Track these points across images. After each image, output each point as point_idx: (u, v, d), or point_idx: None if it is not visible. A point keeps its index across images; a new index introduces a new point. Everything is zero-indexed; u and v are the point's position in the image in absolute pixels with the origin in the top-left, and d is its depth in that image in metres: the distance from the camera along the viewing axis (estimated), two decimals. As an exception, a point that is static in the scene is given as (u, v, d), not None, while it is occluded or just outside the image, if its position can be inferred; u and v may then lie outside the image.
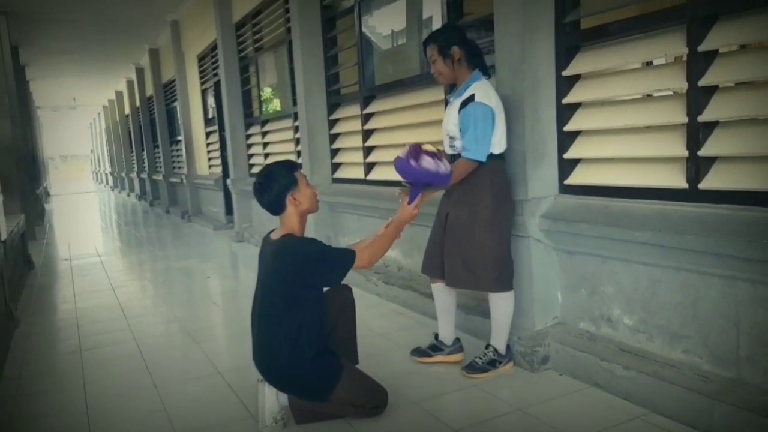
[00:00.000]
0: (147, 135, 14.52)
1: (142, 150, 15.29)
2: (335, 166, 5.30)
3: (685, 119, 2.35)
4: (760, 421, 1.99)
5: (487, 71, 2.82)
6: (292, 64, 5.53)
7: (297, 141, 5.95)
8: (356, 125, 4.85)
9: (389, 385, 2.58)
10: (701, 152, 2.31)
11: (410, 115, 4.15)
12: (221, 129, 8.42)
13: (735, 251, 2.11)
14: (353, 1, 4.70)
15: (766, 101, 2.13)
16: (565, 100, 2.84)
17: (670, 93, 2.50)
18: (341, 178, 5.21)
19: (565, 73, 2.83)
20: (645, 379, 2.38)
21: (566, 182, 2.89)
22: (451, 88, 2.98)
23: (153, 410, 2.68)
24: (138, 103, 15.10)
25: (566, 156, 2.88)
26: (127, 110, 16.87)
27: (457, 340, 3.04)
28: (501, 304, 2.80)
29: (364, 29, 4.69)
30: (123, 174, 19.98)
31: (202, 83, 9.46)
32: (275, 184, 2.32)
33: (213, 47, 8.34)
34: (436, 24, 3.80)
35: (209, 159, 9.70)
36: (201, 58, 9.35)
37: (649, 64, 2.84)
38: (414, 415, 2.48)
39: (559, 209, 2.83)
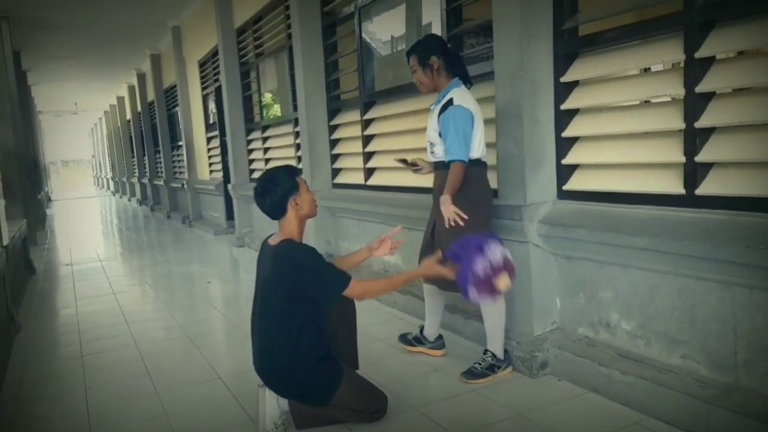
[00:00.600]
0: (148, 140, 14.56)
1: (144, 155, 15.32)
2: (335, 171, 5.32)
3: (682, 125, 2.37)
4: (758, 426, 2.00)
5: (468, 80, 2.91)
6: (293, 70, 5.56)
7: (297, 146, 5.97)
8: (356, 131, 4.87)
9: (389, 390, 2.59)
10: (698, 158, 2.33)
11: (410, 121, 4.17)
12: (222, 134, 8.45)
13: (732, 257, 2.12)
14: (353, 8, 4.73)
15: (762, 107, 2.15)
16: (563, 106, 2.86)
17: (668, 99, 2.52)
18: (341, 183, 5.23)
19: (563, 80, 2.85)
20: (643, 385, 2.39)
21: (564, 188, 2.91)
22: None
23: (154, 415, 2.70)
24: (139, 108, 15.16)
25: (564, 162, 2.89)
26: (129, 115, 16.93)
27: (440, 337, 3.22)
28: (490, 308, 2.84)
29: (364, 35, 4.71)
30: (124, 179, 20.01)
31: (203, 89, 9.50)
32: (278, 188, 2.33)
33: (214, 53, 8.38)
34: (436, 29, 3.82)
35: (210, 164, 9.73)
36: (202, 64, 9.38)
37: (646, 70, 2.86)
38: (414, 420, 2.49)
39: (558, 215, 2.85)
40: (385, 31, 4.74)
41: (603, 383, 2.56)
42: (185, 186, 10.68)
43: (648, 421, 2.33)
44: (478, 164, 2.82)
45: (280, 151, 6.67)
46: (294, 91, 5.66)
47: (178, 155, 11.92)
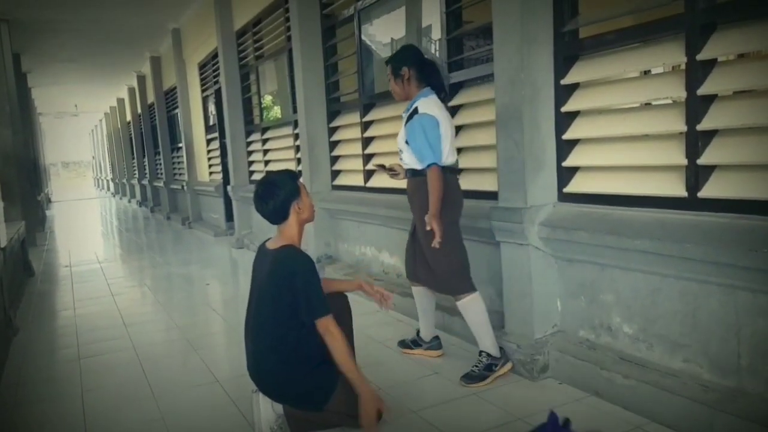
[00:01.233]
0: (148, 142, 14.55)
1: (144, 156, 15.32)
2: (335, 173, 5.30)
3: (684, 128, 2.35)
4: (762, 431, 1.98)
5: (443, 89, 3.00)
6: (293, 72, 5.55)
7: (297, 148, 5.96)
8: (356, 133, 4.86)
9: (387, 394, 2.57)
10: (700, 161, 2.31)
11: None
12: (222, 136, 8.44)
13: (735, 260, 2.10)
14: (353, 10, 4.72)
15: (764, 110, 2.13)
16: (563, 109, 2.85)
17: (669, 102, 2.50)
18: (341, 185, 5.21)
19: (563, 82, 2.83)
20: (645, 389, 2.37)
21: (565, 190, 2.89)
22: None
23: (151, 419, 2.68)
24: (139, 110, 15.15)
25: (565, 164, 2.88)
26: (129, 117, 16.93)
27: (436, 337, 3.24)
28: (467, 307, 2.90)
29: (364, 38, 4.70)
30: (124, 180, 20.01)
31: (203, 91, 9.49)
32: (281, 192, 2.31)
33: (214, 55, 8.37)
34: (436, 32, 3.81)
35: (210, 166, 9.71)
36: (202, 66, 9.38)
37: (646, 72, 2.85)
38: (412, 424, 2.48)
39: (558, 217, 2.83)
40: (384, 33, 4.73)
41: (604, 387, 2.54)
42: (185, 187, 10.67)
43: (650, 425, 2.31)
44: (450, 171, 2.89)
45: (280, 153, 6.65)
46: (294, 94, 5.64)
47: (178, 157, 11.91)
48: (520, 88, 2.81)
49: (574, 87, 2.84)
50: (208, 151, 9.66)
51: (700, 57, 2.28)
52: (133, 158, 17.51)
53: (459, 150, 3.69)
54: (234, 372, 3.14)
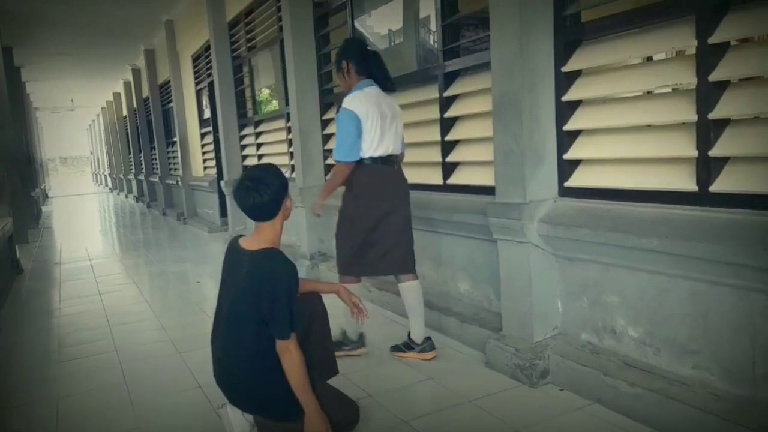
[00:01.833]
0: (144, 136, 14.38)
1: (140, 152, 15.15)
2: (328, 168, 5.13)
3: (694, 117, 2.19)
4: (779, 445, 1.82)
5: (385, 80, 3.03)
6: (285, 63, 5.36)
7: (290, 142, 5.78)
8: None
9: (378, 402, 2.42)
10: (712, 152, 2.14)
11: (407, 114, 3.97)
12: (215, 130, 8.26)
13: (749, 260, 1.94)
14: (346, -3, 4.54)
15: (782, 97, 1.97)
16: (565, 98, 2.68)
17: (678, 89, 2.33)
18: (335, 180, 5.03)
19: (565, 69, 2.66)
20: (652, 397, 2.21)
21: (566, 184, 2.72)
22: None
23: (126, 429, 2.52)
24: (135, 105, 14.96)
25: (566, 157, 2.71)
26: (125, 112, 16.73)
27: (428, 338, 3.08)
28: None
29: (357, 25, 4.52)
30: (121, 176, 19.84)
31: (197, 83, 9.31)
32: (275, 186, 2.11)
33: (207, 47, 8.17)
34: (431, 18, 3.64)
35: (204, 160, 9.55)
36: (195, 58, 9.20)
37: (649, 59, 2.66)
38: (403, 435, 2.32)
39: (559, 213, 2.67)
40: (378, 20, 4.55)
41: (608, 394, 2.38)
42: (180, 183, 10.51)
43: (657, 437, 2.15)
44: (374, 161, 2.93)
45: (273, 147, 6.48)
46: (286, 85, 5.46)
47: (173, 151, 11.74)
48: (518, 75, 2.64)
49: (576, 74, 2.67)
50: (203, 146, 9.49)
51: (711, 40, 2.11)
52: (130, 153, 17.34)
53: (455, 143, 3.54)
54: (218, 377, 2.99)
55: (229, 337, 2.15)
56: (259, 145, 6.84)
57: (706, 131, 2.16)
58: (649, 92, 2.59)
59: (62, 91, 17.76)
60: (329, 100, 5.02)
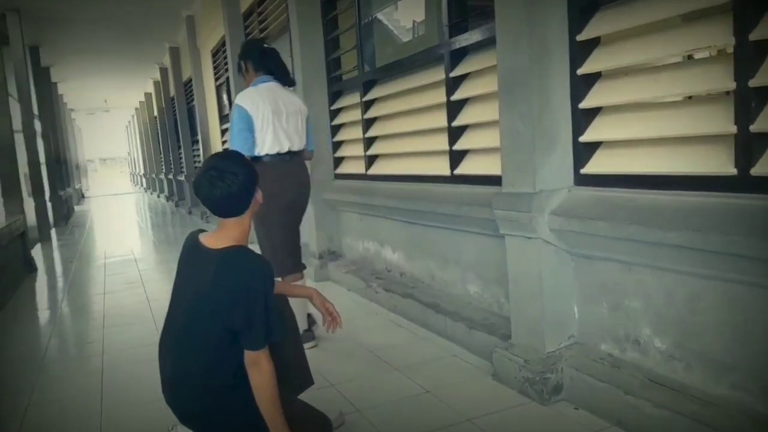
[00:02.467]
0: (171, 135, 14.37)
1: (168, 151, 15.18)
2: (337, 161, 4.84)
3: (732, 85, 1.81)
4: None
5: (282, 74, 3.19)
6: (292, 50, 5.10)
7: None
8: (357, 115, 4.38)
9: (367, 417, 2.13)
10: (753, 127, 1.76)
11: (413, 99, 3.67)
12: (233, 125, 8.07)
13: (802, 257, 1.57)
14: (353, -23, 4.24)
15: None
16: (580, 71, 2.32)
17: (713, 53, 1.96)
18: (343, 173, 4.75)
19: (580, 38, 2.30)
20: (680, 421, 1.86)
21: (583, 171, 2.36)
22: None
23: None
24: (163, 104, 14.98)
25: (583, 139, 2.35)
26: (155, 112, 16.81)
27: (306, 330, 3.09)
28: None
29: (362, 5, 4.22)
30: (153, 175, 20.00)
31: (216, 79, 9.16)
32: (244, 176, 1.82)
33: (224, 41, 7.99)
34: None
35: (225, 157, 9.37)
36: (214, 53, 9.04)
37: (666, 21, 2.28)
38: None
39: (574, 204, 2.31)
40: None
41: (630, 415, 2.03)
42: (203, 181, 10.37)
43: (687, 470, 1.79)
44: (272, 158, 3.01)
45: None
46: (293, 73, 5.19)
47: (198, 149, 11.64)
48: (525, 45, 2.30)
49: (593, 43, 2.31)
50: (223, 142, 9.32)
51: (754, -8, 1.74)
52: (161, 153, 17.43)
53: (464, 128, 3.21)
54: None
55: (185, 348, 1.85)
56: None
57: (747, 102, 1.78)
58: (685, 57, 2.21)
59: (95, 91, 17.98)
60: (338, 88, 4.72)
